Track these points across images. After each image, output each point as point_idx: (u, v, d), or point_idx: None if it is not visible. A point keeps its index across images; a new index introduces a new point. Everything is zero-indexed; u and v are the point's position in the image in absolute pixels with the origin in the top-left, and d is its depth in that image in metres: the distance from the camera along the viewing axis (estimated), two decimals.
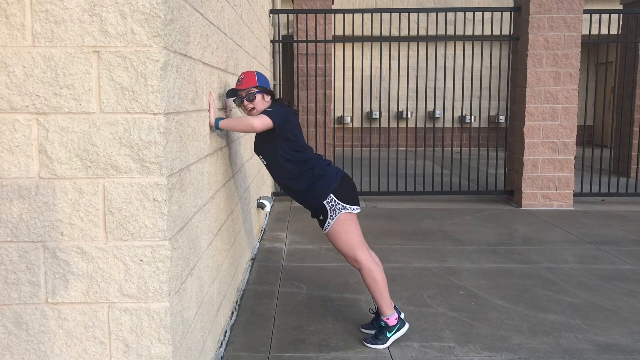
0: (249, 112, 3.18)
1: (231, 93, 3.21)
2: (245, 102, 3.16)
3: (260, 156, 3.20)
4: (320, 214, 3.14)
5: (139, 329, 2.02)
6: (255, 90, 3.15)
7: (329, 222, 3.11)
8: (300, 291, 4.03)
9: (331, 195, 3.09)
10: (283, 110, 3.09)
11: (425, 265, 4.64)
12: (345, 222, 3.10)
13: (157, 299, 2.01)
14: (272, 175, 3.23)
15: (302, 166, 3.12)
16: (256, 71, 3.24)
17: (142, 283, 2.00)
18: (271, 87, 3.27)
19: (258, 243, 5.26)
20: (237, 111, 3.76)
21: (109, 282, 2.00)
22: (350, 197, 3.14)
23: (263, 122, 2.97)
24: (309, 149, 3.18)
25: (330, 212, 3.09)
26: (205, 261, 2.71)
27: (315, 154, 3.20)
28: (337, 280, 4.27)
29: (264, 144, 3.15)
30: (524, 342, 3.22)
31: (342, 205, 3.09)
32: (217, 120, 2.91)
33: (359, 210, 3.17)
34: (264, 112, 3.03)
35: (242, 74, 3.20)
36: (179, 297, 2.18)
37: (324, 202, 3.09)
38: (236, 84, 3.19)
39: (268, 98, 3.22)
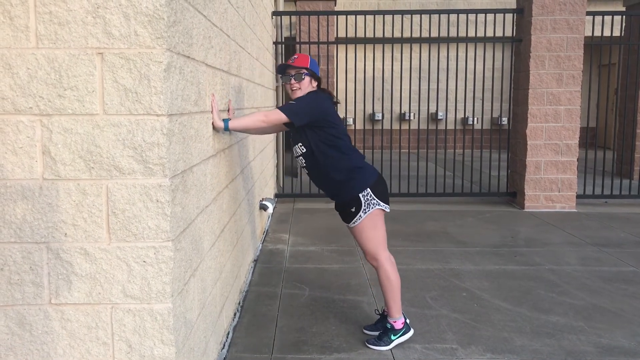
0: (293, 91, 3.14)
1: (281, 69, 3.18)
2: (293, 81, 3.12)
3: (299, 144, 3.12)
4: (353, 207, 3.10)
5: (142, 330, 2.03)
6: (305, 71, 3.12)
7: (360, 216, 3.08)
8: (303, 293, 4.03)
9: (368, 189, 3.08)
10: (313, 100, 3.05)
11: (428, 267, 4.64)
12: (376, 217, 3.10)
13: (160, 300, 2.02)
14: (307, 165, 3.15)
15: (342, 152, 3.09)
16: (310, 55, 3.22)
17: (145, 284, 2.01)
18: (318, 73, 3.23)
19: (261, 244, 5.26)
20: (240, 112, 3.76)
21: (112, 283, 2.00)
22: (384, 195, 3.13)
23: (274, 117, 2.96)
24: (348, 139, 3.15)
25: (364, 206, 3.07)
26: (208, 262, 2.72)
27: (353, 146, 3.18)
28: (339, 281, 4.27)
29: (301, 131, 3.11)
30: (527, 343, 3.22)
31: (377, 201, 3.08)
32: (226, 120, 2.90)
33: (389, 210, 3.16)
34: (282, 106, 3.02)
35: (295, 54, 3.18)
36: (182, 298, 2.18)
37: (360, 195, 3.07)
38: (288, 61, 3.17)
39: (315, 84, 3.19)
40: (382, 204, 3.10)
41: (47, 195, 1.95)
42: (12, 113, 1.92)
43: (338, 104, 3.29)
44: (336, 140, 3.08)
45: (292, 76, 3.12)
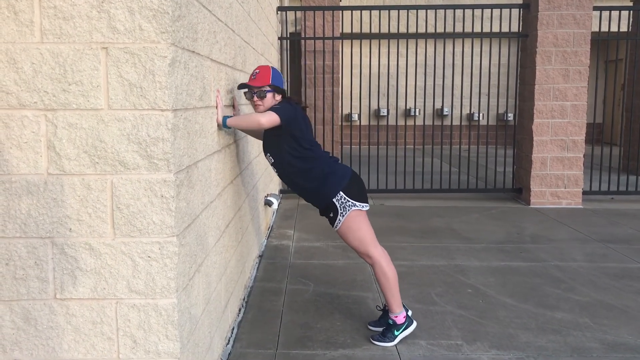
0: (257, 108, 3.18)
1: (243, 85, 3.21)
2: (255, 98, 3.15)
3: (268, 154, 3.18)
4: (330, 212, 3.13)
5: (146, 325, 2.03)
6: (268, 89, 3.14)
7: (339, 220, 3.11)
8: (308, 288, 4.03)
9: (341, 192, 3.08)
10: (290, 107, 3.09)
11: (433, 263, 4.63)
12: (355, 219, 3.10)
13: (164, 296, 2.02)
14: (279, 174, 3.20)
15: (310, 163, 3.11)
16: (272, 67, 3.23)
17: (150, 279, 2.01)
18: (284, 85, 3.25)
19: (265, 240, 5.26)
20: (244, 109, 3.76)
21: (116, 278, 2.00)
22: (359, 194, 3.14)
23: (270, 119, 2.97)
24: (317, 147, 3.17)
25: (340, 210, 3.09)
26: (213, 258, 2.72)
27: (323, 151, 3.19)
28: (344, 277, 4.26)
29: (272, 141, 3.14)
30: (532, 340, 3.21)
31: (352, 203, 3.09)
32: (225, 118, 2.91)
33: (367, 208, 3.16)
34: (271, 109, 3.03)
35: (257, 68, 3.19)
36: (187, 294, 2.18)
37: (334, 200, 3.09)
38: (250, 78, 3.19)
39: (279, 97, 3.22)
40: (357, 204, 3.11)
41: (52, 190, 1.95)
42: (16, 108, 1.92)
43: (307, 108, 3.30)
44: (304, 152, 3.10)
45: (254, 93, 3.15)
